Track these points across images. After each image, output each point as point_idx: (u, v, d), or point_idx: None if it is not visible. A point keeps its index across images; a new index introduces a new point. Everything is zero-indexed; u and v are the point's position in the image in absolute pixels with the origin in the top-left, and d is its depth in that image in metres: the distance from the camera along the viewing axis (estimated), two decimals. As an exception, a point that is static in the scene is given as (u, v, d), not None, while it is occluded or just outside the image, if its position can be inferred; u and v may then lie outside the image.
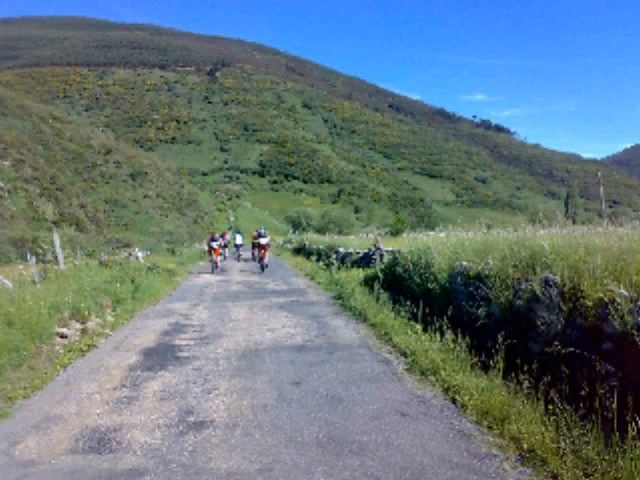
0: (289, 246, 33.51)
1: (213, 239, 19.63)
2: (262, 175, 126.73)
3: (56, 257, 11.30)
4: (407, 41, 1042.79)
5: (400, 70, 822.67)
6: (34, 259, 10.66)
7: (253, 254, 23.82)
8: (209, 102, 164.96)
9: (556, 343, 4.11)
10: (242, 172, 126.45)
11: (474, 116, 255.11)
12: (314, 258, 20.32)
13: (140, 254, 20.28)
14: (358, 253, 15.38)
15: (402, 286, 9.03)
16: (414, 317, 7.10)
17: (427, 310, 6.83)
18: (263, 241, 19.10)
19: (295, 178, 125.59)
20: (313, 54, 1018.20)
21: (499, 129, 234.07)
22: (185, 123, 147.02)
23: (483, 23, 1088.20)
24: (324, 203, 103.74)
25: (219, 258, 19.82)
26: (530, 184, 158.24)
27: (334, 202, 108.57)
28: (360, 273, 12.54)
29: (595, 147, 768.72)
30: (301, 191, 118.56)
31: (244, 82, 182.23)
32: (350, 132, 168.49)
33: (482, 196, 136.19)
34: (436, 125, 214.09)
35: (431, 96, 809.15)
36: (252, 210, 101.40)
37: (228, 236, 28.32)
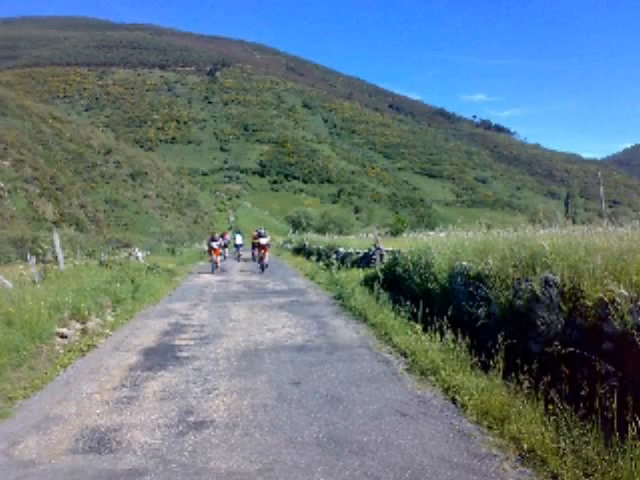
0: (289, 246, 33.50)
1: (213, 239, 19.62)
2: (262, 175, 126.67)
3: (56, 257, 11.32)
4: (407, 41, 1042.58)
5: (400, 70, 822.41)
6: (34, 259, 10.67)
7: (253, 254, 23.82)
8: (209, 102, 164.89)
9: (556, 343, 4.11)
10: (242, 172, 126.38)
11: (474, 116, 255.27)
12: (314, 258, 20.32)
13: (140, 254, 20.30)
14: (358, 253, 15.38)
15: (402, 286, 9.03)
16: (414, 317, 7.10)
17: (427, 310, 6.83)
18: (263, 241, 19.10)
19: (295, 178, 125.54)
20: (313, 54, 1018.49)
21: (499, 129, 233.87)
22: (185, 123, 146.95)
23: (483, 23, 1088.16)
24: (324, 203, 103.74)
25: (219, 258, 19.82)
26: (530, 184, 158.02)
27: (334, 202, 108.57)
28: (360, 273, 12.54)
29: (595, 147, 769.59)
30: (301, 191, 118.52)
31: (244, 82, 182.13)
32: (350, 132, 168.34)
33: (482, 196, 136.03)
34: (436, 125, 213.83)
35: (431, 96, 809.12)
36: (252, 210, 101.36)
37: (228, 236, 28.30)
